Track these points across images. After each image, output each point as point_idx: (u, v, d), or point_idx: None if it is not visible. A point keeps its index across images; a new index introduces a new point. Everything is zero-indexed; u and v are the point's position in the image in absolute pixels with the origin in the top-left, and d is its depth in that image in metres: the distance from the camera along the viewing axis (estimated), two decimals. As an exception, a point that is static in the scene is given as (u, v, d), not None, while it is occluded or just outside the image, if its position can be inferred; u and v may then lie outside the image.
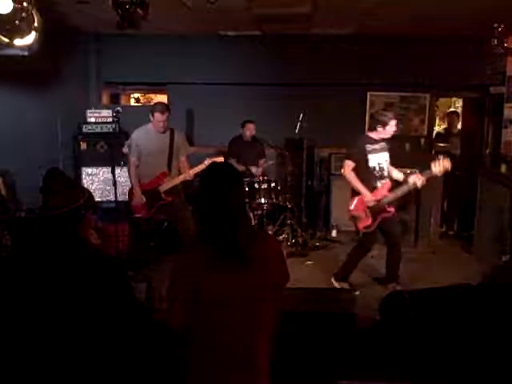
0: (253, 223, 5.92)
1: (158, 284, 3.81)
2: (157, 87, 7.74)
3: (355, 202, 4.64)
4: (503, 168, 5.79)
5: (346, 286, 4.82)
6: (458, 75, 6.85)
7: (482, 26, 5.20)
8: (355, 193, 4.65)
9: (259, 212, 6.07)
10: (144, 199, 4.89)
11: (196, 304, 1.84)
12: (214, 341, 1.85)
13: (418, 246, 6.27)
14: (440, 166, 4.32)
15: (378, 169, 4.62)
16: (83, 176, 6.29)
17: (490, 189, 5.68)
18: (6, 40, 3.14)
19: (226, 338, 1.85)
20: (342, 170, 4.72)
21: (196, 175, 4.82)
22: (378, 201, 4.54)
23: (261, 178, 6.04)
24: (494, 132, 7.10)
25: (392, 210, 4.61)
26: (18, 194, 5.16)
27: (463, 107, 8.16)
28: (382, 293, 3.90)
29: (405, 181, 4.57)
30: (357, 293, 4.71)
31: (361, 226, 4.66)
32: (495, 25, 5.03)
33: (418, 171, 4.54)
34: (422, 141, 7.26)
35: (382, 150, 4.65)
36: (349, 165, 4.60)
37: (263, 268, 1.89)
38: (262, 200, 5.98)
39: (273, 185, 6.09)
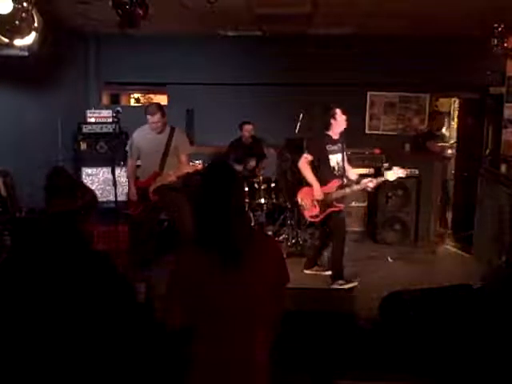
0: (253, 223, 5.92)
1: (157, 284, 3.81)
2: (157, 87, 7.74)
3: (302, 191, 4.99)
4: (503, 168, 5.78)
5: (341, 282, 4.86)
6: (458, 75, 6.86)
7: (482, 26, 5.20)
8: (308, 184, 4.89)
9: (259, 212, 6.06)
10: (136, 196, 4.91)
11: (195, 304, 1.84)
12: (213, 341, 1.85)
13: (417, 246, 6.27)
14: (394, 174, 4.67)
15: (337, 168, 4.88)
16: (83, 176, 6.29)
17: (489, 189, 5.68)
18: (6, 40, 3.14)
19: (225, 338, 1.85)
20: (299, 162, 4.89)
21: (179, 177, 4.78)
22: (326, 194, 4.79)
23: (261, 178, 6.04)
24: (493, 132, 7.10)
25: (341, 206, 4.85)
26: (18, 194, 5.16)
27: (460, 107, 8.11)
28: (381, 293, 3.89)
29: (357, 181, 4.86)
30: (355, 283, 4.84)
31: (307, 214, 4.99)
32: (495, 25, 5.03)
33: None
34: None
35: (339, 150, 4.91)
36: (306, 157, 4.83)
37: (262, 269, 1.89)
38: (262, 200, 5.98)
39: (273, 185, 6.09)
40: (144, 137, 4.90)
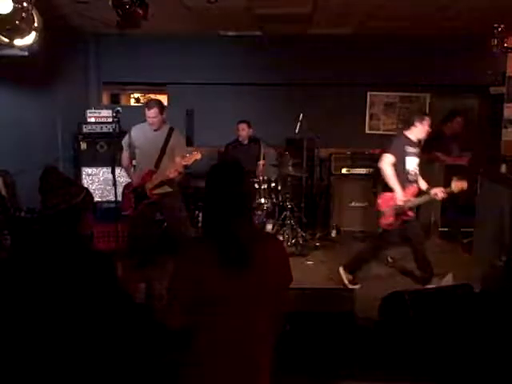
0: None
1: (157, 284, 3.81)
2: (157, 87, 7.74)
3: (383, 198, 4.68)
4: (503, 168, 5.78)
5: (350, 277, 4.90)
6: (458, 75, 6.86)
7: (482, 26, 5.20)
8: (386, 189, 4.65)
9: (259, 212, 6.06)
10: (132, 195, 4.89)
11: (196, 303, 1.84)
12: (214, 340, 1.85)
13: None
14: (458, 185, 4.45)
15: (412, 173, 4.63)
16: (83, 176, 6.29)
17: (490, 189, 5.68)
18: (6, 40, 3.13)
19: (226, 337, 1.85)
20: (381, 163, 4.61)
21: (179, 172, 4.76)
22: (405, 202, 4.56)
23: (261, 178, 6.04)
24: (493, 132, 7.10)
25: (412, 214, 4.65)
26: (18, 194, 5.16)
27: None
28: (381, 293, 3.89)
29: (428, 190, 4.62)
30: (358, 286, 4.85)
31: (383, 221, 4.70)
32: (495, 25, 5.03)
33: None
34: (422, 141, 7.25)
35: (416, 155, 4.67)
36: (388, 158, 4.55)
37: (265, 268, 1.88)
38: (262, 200, 5.98)
39: (273, 185, 6.08)
40: (141, 134, 4.89)
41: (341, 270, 4.95)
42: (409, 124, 4.70)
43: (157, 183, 4.79)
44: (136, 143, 4.88)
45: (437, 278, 4.76)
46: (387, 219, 4.66)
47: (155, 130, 4.82)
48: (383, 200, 4.69)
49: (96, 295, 1.89)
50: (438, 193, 4.51)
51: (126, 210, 4.96)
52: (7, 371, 1.85)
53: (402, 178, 4.58)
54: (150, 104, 4.78)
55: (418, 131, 4.64)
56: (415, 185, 4.64)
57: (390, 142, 4.70)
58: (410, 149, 4.61)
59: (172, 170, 4.68)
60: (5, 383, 1.85)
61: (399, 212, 4.60)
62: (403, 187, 4.56)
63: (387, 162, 4.55)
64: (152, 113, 4.72)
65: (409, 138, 4.65)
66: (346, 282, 4.89)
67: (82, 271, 1.90)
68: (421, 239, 4.84)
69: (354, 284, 4.89)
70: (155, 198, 4.83)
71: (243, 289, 1.85)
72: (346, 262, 5.00)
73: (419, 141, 4.72)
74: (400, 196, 4.52)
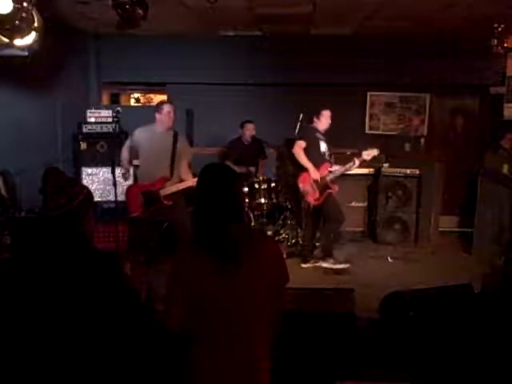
0: (253, 223, 5.92)
1: (157, 285, 3.81)
2: (156, 87, 7.74)
3: (301, 178, 5.35)
4: (504, 168, 5.78)
5: (333, 260, 5.30)
6: (458, 75, 6.86)
7: (482, 26, 5.19)
8: (301, 170, 5.34)
9: (259, 212, 6.06)
10: (141, 198, 4.86)
11: (194, 306, 1.84)
12: (213, 342, 1.85)
13: (417, 246, 6.27)
14: (369, 154, 5.24)
15: (327, 154, 5.42)
16: (83, 176, 6.28)
17: (490, 189, 5.68)
18: (6, 40, 3.14)
19: (225, 339, 1.85)
20: (294, 149, 5.33)
21: (182, 190, 4.77)
22: (322, 177, 5.26)
23: (261, 178, 6.04)
24: (493, 132, 7.09)
25: (336, 187, 5.32)
26: (18, 193, 5.15)
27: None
28: (381, 293, 3.89)
29: (342, 165, 5.36)
30: (348, 265, 5.29)
31: (310, 198, 5.33)
32: (495, 25, 5.03)
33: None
34: (422, 141, 7.26)
35: (326, 140, 5.43)
36: (300, 144, 5.29)
37: (260, 269, 1.89)
38: (262, 200, 5.98)
39: (273, 185, 6.08)
40: (147, 135, 4.84)
41: (322, 264, 5.32)
42: (310, 120, 5.49)
43: (175, 191, 4.78)
44: (141, 143, 4.85)
45: (333, 260, 5.33)
46: (312, 195, 5.30)
47: (167, 130, 4.80)
48: (302, 179, 5.34)
49: (104, 295, 1.89)
50: (352, 164, 5.24)
51: (134, 211, 4.92)
52: (12, 372, 1.85)
53: (319, 158, 5.31)
54: (165, 102, 4.94)
55: (319, 124, 5.40)
56: (329, 162, 5.38)
57: (302, 132, 5.59)
58: (320, 135, 5.39)
59: (178, 186, 4.76)
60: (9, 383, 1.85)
61: (322, 186, 5.26)
62: (320, 165, 5.29)
63: (298, 148, 5.28)
64: (172, 107, 4.81)
65: (316, 128, 5.41)
66: (335, 266, 5.25)
67: (88, 271, 1.90)
68: (336, 215, 5.33)
69: (340, 263, 5.28)
70: (167, 204, 4.82)
71: (240, 289, 1.85)
72: (321, 256, 5.45)
73: (325, 132, 5.46)
74: (314, 171, 5.23)
